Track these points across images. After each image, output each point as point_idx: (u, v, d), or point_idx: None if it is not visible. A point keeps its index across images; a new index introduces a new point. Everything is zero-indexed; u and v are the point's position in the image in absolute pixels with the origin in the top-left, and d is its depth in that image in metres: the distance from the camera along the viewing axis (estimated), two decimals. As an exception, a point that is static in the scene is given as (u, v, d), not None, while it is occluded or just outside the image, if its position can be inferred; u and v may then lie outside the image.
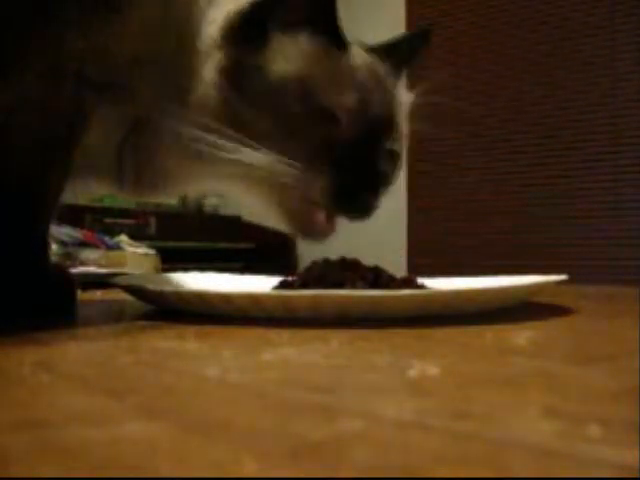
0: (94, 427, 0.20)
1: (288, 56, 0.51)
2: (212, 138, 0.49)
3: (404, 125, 0.58)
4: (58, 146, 0.49)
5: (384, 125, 0.55)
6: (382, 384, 0.27)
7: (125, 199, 2.66)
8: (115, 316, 0.58)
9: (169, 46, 0.50)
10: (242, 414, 0.22)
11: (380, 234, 2.99)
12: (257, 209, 0.56)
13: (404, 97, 0.58)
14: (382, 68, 0.56)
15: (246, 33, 0.51)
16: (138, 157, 0.54)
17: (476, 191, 2.92)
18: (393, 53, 0.58)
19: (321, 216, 0.54)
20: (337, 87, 0.52)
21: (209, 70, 0.51)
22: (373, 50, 0.58)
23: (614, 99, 2.64)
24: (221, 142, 0.49)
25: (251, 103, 0.50)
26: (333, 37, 0.53)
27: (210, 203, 3.17)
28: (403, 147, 0.58)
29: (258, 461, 0.17)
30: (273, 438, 0.19)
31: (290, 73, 0.51)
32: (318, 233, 0.55)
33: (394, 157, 0.57)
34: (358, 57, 0.55)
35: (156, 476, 0.16)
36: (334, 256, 0.55)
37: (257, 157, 0.50)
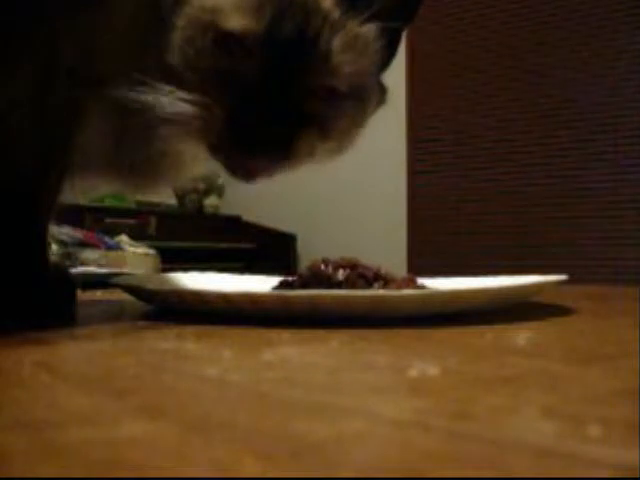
0: (94, 427, 0.20)
1: None
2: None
3: (347, 59, 0.47)
4: (55, 146, 0.49)
5: (305, 55, 0.46)
6: (382, 384, 0.27)
7: (125, 199, 2.66)
8: (115, 316, 0.58)
9: (153, 32, 0.47)
10: (242, 414, 0.22)
11: (380, 234, 3.00)
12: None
13: (357, 29, 0.48)
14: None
15: None
16: (134, 148, 0.52)
17: (476, 191, 2.92)
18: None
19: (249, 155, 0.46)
20: (246, 12, 0.45)
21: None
22: None
23: (614, 99, 2.64)
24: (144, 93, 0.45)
25: (169, 43, 0.46)
26: None
27: (210, 203, 3.17)
28: (348, 83, 0.48)
29: (258, 461, 0.17)
30: (273, 438, 0.19)
31: (201, 3, 0.45)
32: (245, 173, 0.48)
33: (333, 95, 0.48)
34: None
35: (156, 476, 0.16)
36: (334, 256, 0.55)
37: (161, 99, 0.44)
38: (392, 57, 0.54)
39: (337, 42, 0.47)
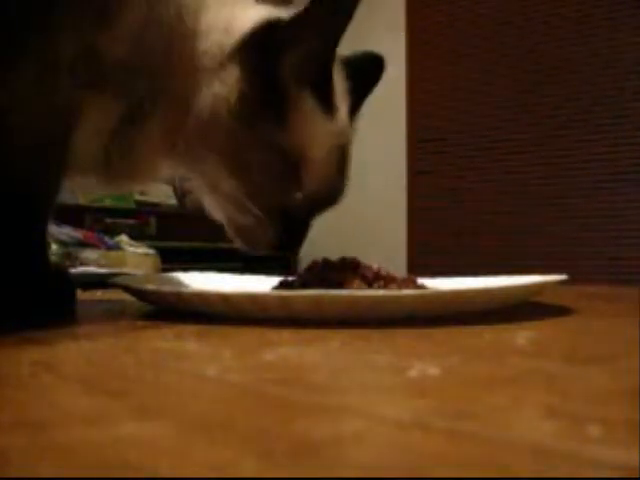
0: (94, 427, 0.20)
1: (299, 119, 0.53)
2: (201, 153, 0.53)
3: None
4: (54, 144, 0.49)
5: (330, 206, 0.60)
6: (382, 384, 0.27)
7: (125, 199, 2.66)
8: (115, 316, 0.58)
9: (159, 49, 0.51)
10: (242, 414, 0.22)
11: (380, 234, 3.00)
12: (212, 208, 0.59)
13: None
14: (351, 134, 0.59)
15: (262, 55, 0.52)
16: (123, 149, 0.54)
17: (476, 191, 2.92)
18: (355, 74, 0.59)
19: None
20: (321, 176, 0.56)
21: (219, 85, 0.52)
22: (347, 64, 0.58)
23: (614, 99, 2.64)
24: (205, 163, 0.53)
25: (253, 143, 0.52)
26: (327, 100, 0.55)
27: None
28: None
29: (258, 461, 0.17)
30: (273, 438, 0.19)
31: (295, 141, 0.53)
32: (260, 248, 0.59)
33: None
34: (341, 125, 0.57)
35: (156, 476, 0.16)
36: (334, 256, 0.55)
37: (230, 187, 0.54)
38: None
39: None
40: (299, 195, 0.56)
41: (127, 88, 0.50)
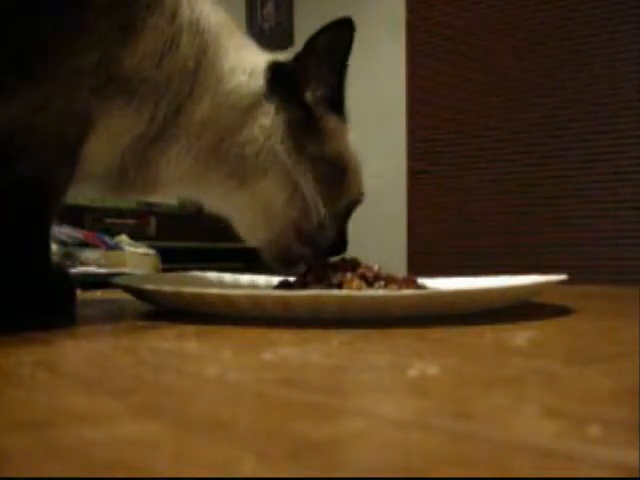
0: (94, 427, 0.20)
1: (332, 134, 0.62)
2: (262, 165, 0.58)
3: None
4: (67, 147, 0.50)
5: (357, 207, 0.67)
6: (382, 384, 0.27)
7: (125, 199, 2.66)
8: (115, 316, 0.58)
9: (184, 77, 0.53)
10: (242, 414, 0.22)
11: (380, 234, 2.99)
12: (237, 224, 0.64)
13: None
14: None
15: (289, 90, 0.59)
16: (141, 164, 0.56)
17: (476, 191, 2.92)
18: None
19: (302, 252, 0.61)
20: (358, 179, 0.64)
21: (263, 118, 0.58)
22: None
23: (614, 99, 2.64)
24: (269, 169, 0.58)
25: (304, 157, 0.59)
26: (342, 113, 0.64)
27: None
28: None
29: (258, 461, 0.17)
30: (273, 438, 0.19)
31: (336, 152, 0.61)
32: (292, 267, 0.63)
33: None
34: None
35: (156, 476, 0.16)
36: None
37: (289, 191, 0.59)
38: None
39: None
40: (348, 199, 0.63)
41: (151, 105, 0.52)
